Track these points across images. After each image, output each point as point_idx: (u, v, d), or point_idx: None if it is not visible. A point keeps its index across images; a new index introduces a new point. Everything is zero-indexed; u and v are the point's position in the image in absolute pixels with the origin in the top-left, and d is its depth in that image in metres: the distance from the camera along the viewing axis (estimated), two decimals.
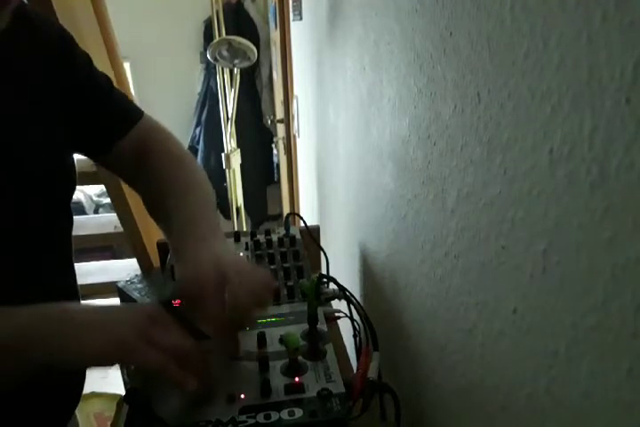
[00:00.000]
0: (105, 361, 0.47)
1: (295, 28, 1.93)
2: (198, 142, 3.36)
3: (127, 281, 1.69)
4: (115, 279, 1.76)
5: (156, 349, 0.46)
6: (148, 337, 0.46)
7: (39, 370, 0.46)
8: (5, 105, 0.55)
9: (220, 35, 2.12)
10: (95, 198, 3.59)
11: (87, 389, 0.72)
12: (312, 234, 0.89)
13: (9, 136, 0.55)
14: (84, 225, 2.04)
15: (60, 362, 0.46)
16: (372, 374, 0.51)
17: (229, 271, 0.52)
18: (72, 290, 0.70)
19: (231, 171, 2.26)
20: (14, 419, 0.61)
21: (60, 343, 0.46)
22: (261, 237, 0.85)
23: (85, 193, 3.52)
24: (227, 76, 2.24)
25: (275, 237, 0.84)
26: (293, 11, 1.79)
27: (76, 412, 0.77)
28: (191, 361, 0.48)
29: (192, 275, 0.53)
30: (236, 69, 2.06)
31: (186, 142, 3.43)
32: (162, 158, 0.69)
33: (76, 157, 0.67)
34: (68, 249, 0.67)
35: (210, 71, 3.20)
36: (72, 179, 0.64)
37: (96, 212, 3.51)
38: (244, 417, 0.48)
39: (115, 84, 0.70)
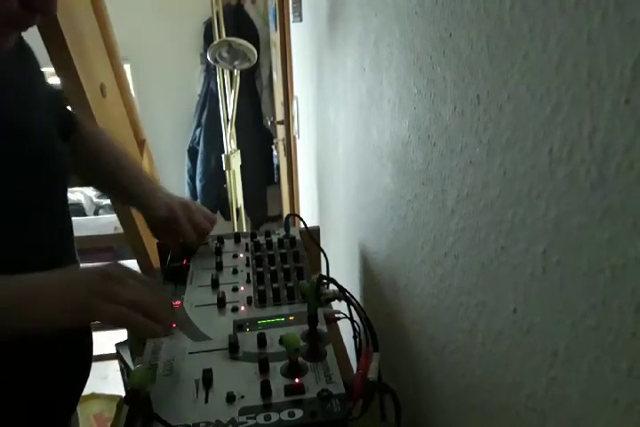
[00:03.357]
0: (68, 323, 0.52)
1: (295, 29, 1.93)
2: (198, 144, 3.36)
3: None
4: None
5: (115, 303, 0.51)
6: (103, 295, 0.52)
7: (15, 336, 0.51)
8: (22, 91, 0.64)
9: (220, 36, 2.12)
10: (95, 200, 3.59)
11: (87, 390, 0.72)
12: (312, 235, 0.89)
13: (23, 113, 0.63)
14: (84, 226, 2.04)
15: (33, 329, 0.51)
16: (372, 374, 0.51)
17: (188, 206, 0.82)
18: (72, 260, 0.75)
19: (231, 172, 2.26)
20: (17, 416, 0.62)
21: (30, 313, 0.51)
22: (261, 239, 0.85)
23: (85, 194, 3.52)
24: (227, 78, 2.24)
25: (275, 239, 0.84)
26: (293, 12, 1.80)
27: (78, 410, 0.78)
28: (155, 309, 0.54)
29: (166, 214, 0.80)
30: (236, 71, 2.06)
31: (186, 144, 3.43)
32: (90, 135, 0.87)
33: None
34: (67, 220, 0.74)
35: (210, 72, 3.20)
36: (67, 151, 0.72)
37: (96, 213, 3.51)
38: (243, 418, 0.48)
39: (115, 84, 0.73)
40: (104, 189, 0.96)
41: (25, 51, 0.69)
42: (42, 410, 0.65)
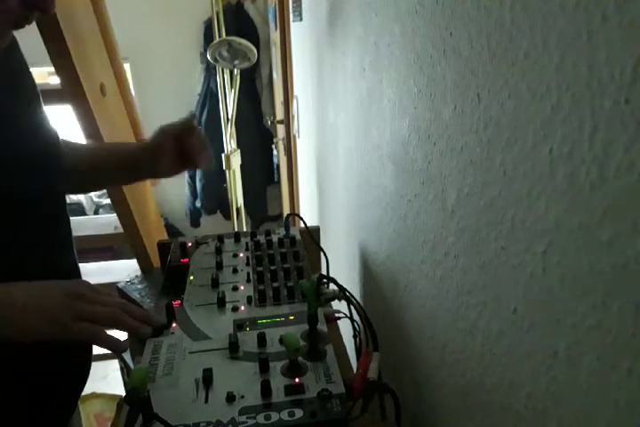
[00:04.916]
0: (50, 338, 0.56)
1: (295, 28, 1.93)
2: None
3: (127, 282, 1.69)
4: (115, 280, 1.76)
5: (85, 321, 0.56)
6: (78, 314, 0.56)
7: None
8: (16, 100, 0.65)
9: (220, 35, 2.12)
10: (95, 199, 3.59)
11: (87, 389, 0.72)
12: (312, 234, 0.89)
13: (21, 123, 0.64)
14: (84, 226, 2.04)
15: (15, 340, 0.54)
16: (372, 374, 0.51)
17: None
18: (72, 267, 0.75)
19: (231, 171, 2.26)
20: (18, 415, 0.62)
21: (10, 326, 0.53)
22: (261, 238, 0.85)
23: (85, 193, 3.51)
24: (227, 77, 2.24)
25: (275, 238, 0.84)
26: (293, 11, 1.79)
27: (80, 410, 0.78)
28: (120, 319, 0.60)
29: (158, 135, 0.81)
30: (236, 70, 2.06)
31: None
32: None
33: None
34: (66, 226, 0.74)
35: (210, 72, 3.20)
36: (62, 156, 0.73)
37: (96, 212, 3.52)
38: (243, 418, 0.48)
39: (115, 84, 0.73)
40: (103, 182, 0.98)
41: (10, 49, 0.68)
42: (43, 409, 0.65)
